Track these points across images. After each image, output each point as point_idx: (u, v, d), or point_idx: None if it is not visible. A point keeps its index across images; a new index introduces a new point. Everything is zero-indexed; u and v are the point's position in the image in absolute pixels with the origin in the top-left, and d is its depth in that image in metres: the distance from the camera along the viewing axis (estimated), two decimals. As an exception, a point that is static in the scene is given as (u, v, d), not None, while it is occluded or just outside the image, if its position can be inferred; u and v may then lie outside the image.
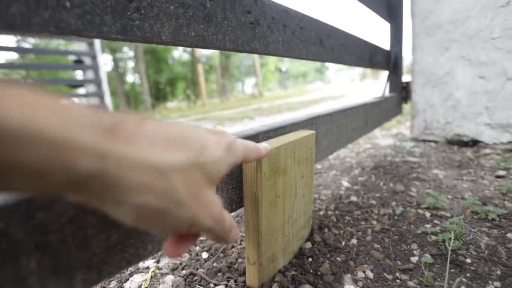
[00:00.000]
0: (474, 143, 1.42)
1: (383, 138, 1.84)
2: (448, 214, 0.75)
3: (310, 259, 0.58)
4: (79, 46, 4.07)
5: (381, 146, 1.62)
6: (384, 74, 1.61)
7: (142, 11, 0.32)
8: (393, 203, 0.83)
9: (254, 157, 0.34)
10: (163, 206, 0.20)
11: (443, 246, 0.60)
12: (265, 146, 0.37)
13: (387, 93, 1.50)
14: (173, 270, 0.59)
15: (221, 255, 0.63)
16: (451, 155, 1.30)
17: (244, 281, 0.52)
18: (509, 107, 1.29)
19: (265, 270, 0.49)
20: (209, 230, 0.25)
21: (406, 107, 1.75)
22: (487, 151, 1.30)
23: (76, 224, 0.25)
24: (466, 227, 0.68)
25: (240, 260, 0.60)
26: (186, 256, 0.64)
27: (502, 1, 1.24)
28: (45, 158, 0.15)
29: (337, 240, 0.66)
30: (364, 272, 0.55)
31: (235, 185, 0.44)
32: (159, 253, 0.65)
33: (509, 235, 0.63)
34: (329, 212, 0.80)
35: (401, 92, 1.61)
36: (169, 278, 0.56)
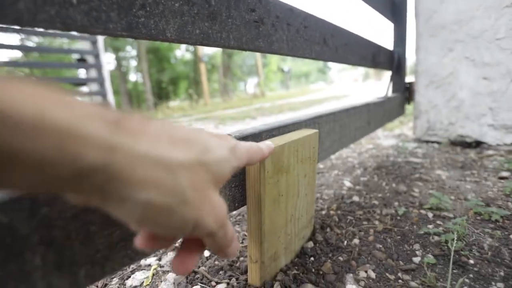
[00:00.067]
0: (477, 144, 1.42)
1: (385, 138, 1.84)
2: (451, 215, 0.74)
3: (312, 258, 0.58)
4: (83, 44, 4.08)
5: (383, 146, 1.62)
6: (387, 74, 1.61)
7: (148, 8, 0.32)
8: (396, 204, 0.83)
9: (258, 159, 0.33)
10: (168, 203, 0.20)
11: (446, 247, 0.60)
12: (268, 144, 0.37)
13: (390, 94, 1.50)
14: (175, 268, 0.59)
15: (223, 253, 0.63)
16: (454, 156, 1.29)
17: (246, 280, 0.52)
18: (513, 108, 1.28)
19: (267, 268, 0.49)
20: (211, 234, 0.24)
21: (408, 108, 1.75)
22: (491, 152, 1.30)
23: (80, 220, 0.25)
24: (469, 228, 0.67)
25: (241, 258, 0.60)
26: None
27: (507, 1, 1.23)
28: (51, 148, 0.14)
29: (339, 239, 0.66)
30: (366, 272, 0.54)
31: (238, 183, 0.44)
32: (161, 251, 0.65)
33: (512, 236, 0.63)
34: (331, 212, 0.80)
35: (404, 92, 1.60)
36: (171, 275, 0.56)
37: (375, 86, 11.23)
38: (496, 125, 1.34)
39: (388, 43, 1.50)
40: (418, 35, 1.54)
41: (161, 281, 0.55)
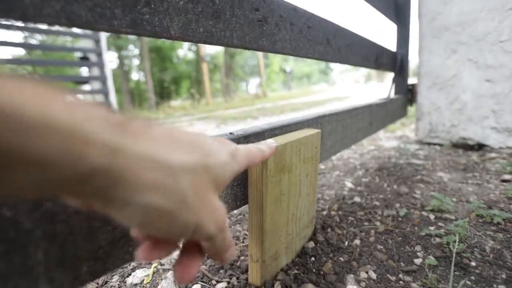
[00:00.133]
0: (479, 146, 1.41)
1: (387, 140, 1.83)
2: (453, 217, 0.74)
3: (312, 259, 0.58)
4: (85, 43, 4.10)
5: (385, 148, 1.62)
6: (389, 76, 1.60)
7: (152, 5, 0.32)
8: (397, 205, 0.83)
9: (259, 161, 0.34)
10: (169, 207, 0.20)
11: (448, 249, 0.60)
12: (270, 143, 0.37)
13: (392, 95, 1.49)
14: (176, 266, 0.60)
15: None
16: (456, 158, 1.29)
17: (246, 279, 0.52)
18: (516, 111, 1.27)
19: (267, 268, 0.49)
20: (210, 238, 0.24)
21: (410, 109, 1.74)
22: (493, 155, 1.29)
23: (83, 216, 0.25)
24: (471, 230, 0.67)
25: (242, 257, 0.60)
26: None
27: (511, 3, 1.22)
28: (53, 148, 0.14)
29: (340, 240, 0.65)
30: (367, 272, 0.54)
31: (240, 181, 0.44)
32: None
33: (514, 239, 0.63)
34: (332, 212, 0.80)
35: (407, 94, 1.60)
36: (171, 274, 0.56)
37: (377, 87, 11.21)
38: (498, 128, 1.33)
39: (391, 44, 1.50)
40: (421, 37, 1.54)
41: (162, 279, 0.55)
